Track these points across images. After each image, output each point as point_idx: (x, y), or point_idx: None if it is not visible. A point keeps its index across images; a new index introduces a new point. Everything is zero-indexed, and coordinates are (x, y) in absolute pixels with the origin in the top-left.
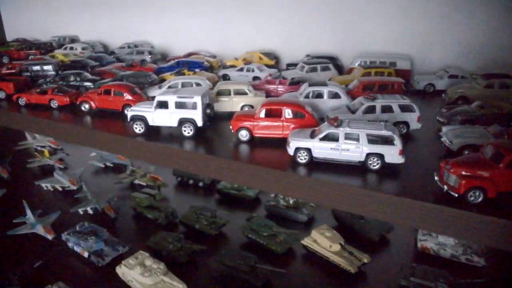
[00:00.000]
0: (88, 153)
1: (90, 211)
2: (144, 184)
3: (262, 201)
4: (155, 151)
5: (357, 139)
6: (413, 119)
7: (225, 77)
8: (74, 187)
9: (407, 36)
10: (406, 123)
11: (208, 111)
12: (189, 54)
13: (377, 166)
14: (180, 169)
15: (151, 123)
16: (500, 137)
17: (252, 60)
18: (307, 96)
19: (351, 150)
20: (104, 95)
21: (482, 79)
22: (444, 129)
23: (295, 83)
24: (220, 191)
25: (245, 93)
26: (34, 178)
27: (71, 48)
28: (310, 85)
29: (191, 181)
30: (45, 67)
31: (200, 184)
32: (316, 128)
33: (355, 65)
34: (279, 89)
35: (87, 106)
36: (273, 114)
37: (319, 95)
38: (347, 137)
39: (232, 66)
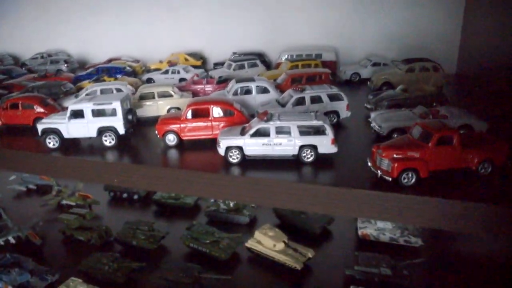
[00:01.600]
0: (7, 176)
1: (13, 240)
2: (73, 203)
3: (202, 208)
4: (74, 166)
5: (289, 132)
6: (342, 108)
7: (150, 81)
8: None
9: (330, 28)
10: (336, 112)
11: (129, 117)
12: (110, 60)
13: (311, 158)
14: (105, 182)
15: (66, 135)
16: (425, 118)
17: (178, 61)
18: (235, 93)
19: (284, 144)
20: (11, 109)
21: (403, 64)
22: (373, 115)
23: (223, 82)
24: (157, 202)
25: (170, 95)
26: None
27: None
28: (238, 81)
29: (125, 195)
30: None
31: (135, 197)
32: (246, 125)
33: (282, 59)
34: (206, 89)
35: None
36: (200, 114)
37: (248, 91)
38: (279, 131)
39: (157, 70)
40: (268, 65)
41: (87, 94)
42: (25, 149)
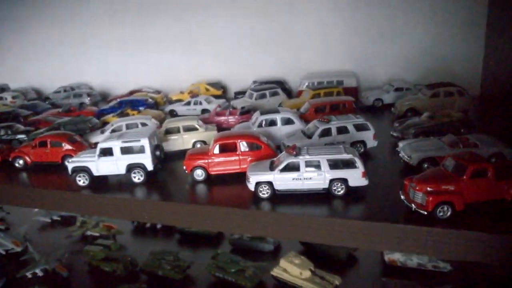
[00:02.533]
0: (32, 209)
1: (40, 273)
2: (97, 234)
3: (226, 236)
4: (103, 204)
5: (319, 166)
6: (369, 138)
7: (172, 113)
8: (19, 249)
9: (350, 53)
10: (362, 142)
11: (157, 153)
12: (132, 92)
13: (341, 192)
14: (135, 220)
15: (96, 173)
16: (455, 147)
17: (199, 92)
18: (260, 125)
19: (314, 178)
20: (39, 147)
21: (427, 90)
22: (401, 144)
23: (246, 112)
24: (181, 231)
25: (195, 129)
26: None
27: (0, 98)
28: (262, 113)
29: (148, 224)
30: None
31: (158, 226)
32: (275, 159)
33: (303, 87)
34: (230, 120)
35: (21, 162)
36: (227, 148)
37: (273, 123)
38: (308, 165)
39: (179, 101)
40: (289, 92)
41: (113, 130)
42: (55, 187)
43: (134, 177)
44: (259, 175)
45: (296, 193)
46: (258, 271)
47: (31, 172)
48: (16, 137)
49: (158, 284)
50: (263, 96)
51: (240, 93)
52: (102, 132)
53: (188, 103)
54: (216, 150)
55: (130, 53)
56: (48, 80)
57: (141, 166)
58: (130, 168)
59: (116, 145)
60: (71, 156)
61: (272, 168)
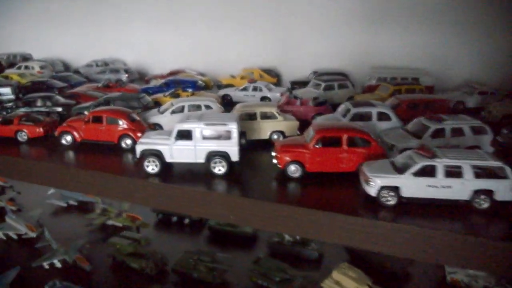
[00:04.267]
0: (45, 190)
1: (58, 264)
2: (120, 225)
3: (261, 238)
4: (175, 196)
5: (460, 173)
6: (485, 143)
7: (226, 98)
8: (33, 234)
9: (421, 50)
10: (478, 148)
11: (242, 141)
12: (173, 73)
13: (485, 205)
14: (217, 219)
15: (168, 159)
16: None
17: (252, 77)
18: (352, 119)
19: (454, 187)
20: (93, 123)
21: None
22: None
23: (321, 103)
24: (212, 228)
25: (274, 117)
26: None
27: (26, 67)
28: (355, 105)
29: (174, 218)
30: (2, 90)
31: (186, 221)
32: (399, 160)
33: (373, 81)
34: (302, 111)
35: (69, 138)
36: (330, 142)
37: (367, 117)
38: (448, 170)
39: (229, 85)
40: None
41: (173, 111)
42: (111, 172)
43: (214, 167)
44: (385, 178)
45: (425, 203)
46: (306, 282)
47: (78, 151)
48: (55, 110)
49: (190, 287)
50: (330, 88)
51: (298, 83)
52: (161, 112)
53: (245, 89)
54: (317, 144)
55: (171, 32)
56: (74, 53)
57: (224, 155)
58: (211, 156)
59: (197, 128)
60: (129, 136)
61: (399, 171)
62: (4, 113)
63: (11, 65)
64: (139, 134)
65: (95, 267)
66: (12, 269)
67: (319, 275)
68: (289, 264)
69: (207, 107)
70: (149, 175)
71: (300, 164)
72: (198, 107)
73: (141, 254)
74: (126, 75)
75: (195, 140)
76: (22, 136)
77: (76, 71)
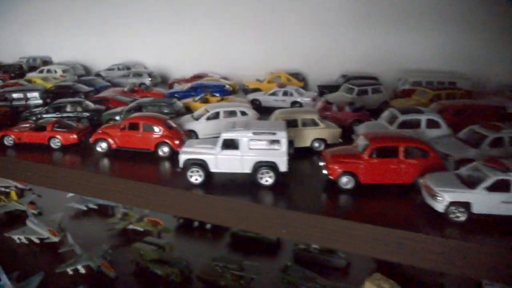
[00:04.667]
0: (65, 193)
1: (82, 270)
2: (141, 229)
3: (285, 245)
4: (224, 208)
5: None
6: None
7: (254, 103)
8: (56, 239)
9: (453, 52)
10: None
11: (290, 150)
12: (197, 76)
13: None
14: (269, 234)
15: (213, 169)
16: None
17: (279, 81)
18: (400, 126)
19: None
20: (129, 130)
21: None
22: None
23: (359, 109)
24: (235, 234)
25: (316, 124)
26: (1, 228)
27: (48, 71)
28: (403, 112)
29: (196, 223)
30: (30, 95)
31: (208, 226)
32: (464, 173)
33: (406, 86)
34: (339, 117)
35: (104, 145)
36: (385, 153)
37: (415, 125)
38: None
39: (256, 90)
40: None
41: (208, 118)
42: (148, 181)
43: (261, 178)
44: (455, 193)
45: (496, 219)
46: None
47: (115, 159)
48: (84, 115)
49: None
50: (364, 92)
51: (327, 87)
52: (196, 118)
53: (274, 93)
54: (372, 154)
55: (191, 35)
56: (93, 57)
57: (272, 166)
58: (258, 166)
59: (244, 137)
60: (166, 144)
61: (467, 184)
62: (34, 118)
63: (31, 68)
64: (176, 142)
65: (118, 273)
66: (36, 274)
67: (347, 285)
68: (315, 272)
69: (243, 113)
70: (192, 185)
71: (353, 175)
72: (233, 113)
73: (165, 261)
74: (150, 79)
75: (242, 150)
76: (56, 143)
77: (98, 75)
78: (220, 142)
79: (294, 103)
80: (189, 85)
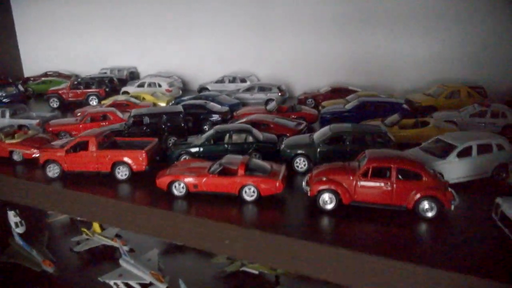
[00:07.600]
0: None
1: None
2: (256, 272)
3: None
4: None
5: None
6: None
7: None
8: (163, 286)
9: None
10: None
11: None
12: (335, 89)
13: None
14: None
15: None
16: None
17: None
18: None
19: None
20: (371, 178)
21: None
22: None
23: None
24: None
25: None
26: (91, 270)
27: (149, 85)
28: None
29: None
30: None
31: None
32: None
33: None
34: None
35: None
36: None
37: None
38: None
39: (430, 107)
40: None
41: (460, 154)
42: None
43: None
44: None
45: None
46: None
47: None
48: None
49: None
50: None
51: None
52: (442, 157)
53: (480, 115)
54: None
55: (266, 41)
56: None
57: None
58: None
59: None
60: (431, 199)
61: None
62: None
63: (121, 81)
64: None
65: None
66: None
67: None
68: None
69: (499, 147)
70: None
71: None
72: (487, 147)
73: None
74: (280, 93)
75: None
76: (250, 193)
77: (204, 88)
78: None
79: (506, 127)
80: (355, 102)
